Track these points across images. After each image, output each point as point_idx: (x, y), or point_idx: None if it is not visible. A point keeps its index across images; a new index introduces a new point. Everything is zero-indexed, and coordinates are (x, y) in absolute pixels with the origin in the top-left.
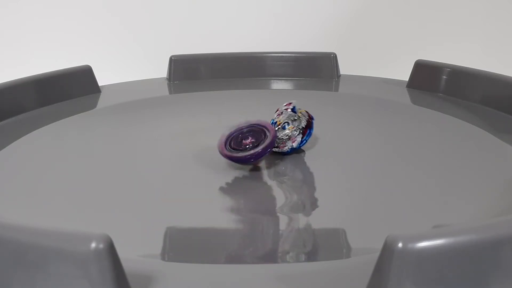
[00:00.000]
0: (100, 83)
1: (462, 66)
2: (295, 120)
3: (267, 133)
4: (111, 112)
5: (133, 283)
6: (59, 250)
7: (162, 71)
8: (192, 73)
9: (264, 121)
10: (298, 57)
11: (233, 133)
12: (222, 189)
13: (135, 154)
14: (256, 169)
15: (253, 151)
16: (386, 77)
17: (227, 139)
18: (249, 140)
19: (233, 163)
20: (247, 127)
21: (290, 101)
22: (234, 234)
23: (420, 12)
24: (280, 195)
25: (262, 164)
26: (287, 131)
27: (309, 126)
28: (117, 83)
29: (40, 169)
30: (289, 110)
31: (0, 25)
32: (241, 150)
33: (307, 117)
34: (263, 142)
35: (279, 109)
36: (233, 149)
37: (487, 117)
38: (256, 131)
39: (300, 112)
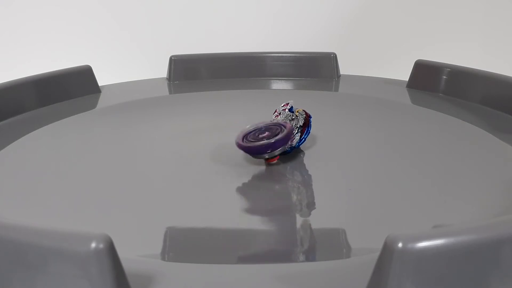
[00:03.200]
0: (100, 83)
1: (462, 66)
2: (292, 119)
3: (283, 129)
4: (111, 112)
5: (133, 283)
6: (59, 250)
7: (162, 71)
8: (192, 73)
9: (281, 121)
10: (298, 57)
11: (251, 130)
12: (222, 189)
13: (135, 154)
14: (256, 169)
15: (266, 141)
16: (386, 77)
17: (245, 135)
18: (265, 134)
19: (231, 161)
20: (265, 125)
21: (287, 101)
22: (234, 234)
23: (420, 12)
24: (280, 195)
25: (262, 164)
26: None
27: (307, 124)
28: (117, 83)
29: (40, 169)
30: (287, 110)
31: (0, 25)
32: (256, 142)
33: (305, 116)
34: (278, 136)
35: (277, 110)
36: (250, 141)
37: (487, 117)
38: (273, 128)
39: (298, 111)
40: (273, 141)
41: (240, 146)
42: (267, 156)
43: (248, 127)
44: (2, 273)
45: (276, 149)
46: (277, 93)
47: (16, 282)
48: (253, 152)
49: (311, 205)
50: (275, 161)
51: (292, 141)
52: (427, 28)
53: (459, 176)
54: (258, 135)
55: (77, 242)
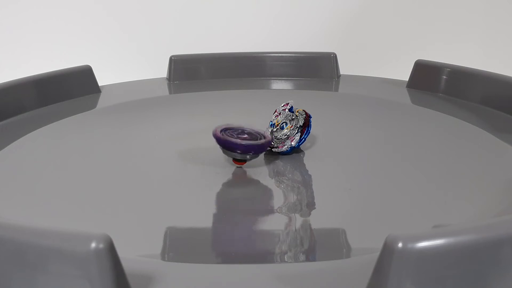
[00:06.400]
0: (100, 83)
1: (462, 66)
2: (293, 119)
3: (262, 138)
4: (111, 112)
5: (133, 283)
6: (59, 250)
7: (162, 71)
8: (192, 73)
9: (265, 133)
10: (298, 57)
11: (233, 127)
12: (222, 189)
13: (135, 154)
14: (256, 169)
15: (244, 141)
16: (386, 77)
17: (225, 128)
18: (244, 137)
19: (229, 160)
20: (249, 130)
21: (287, 101)
22: (234, 234)
23: (420, 12)
24: (280, 195)
25: (262, 164)
26: (285, 131)
27: (307, 125)
28: (117, 83)
29: (40, 169)
30: (287, 110)
31: (0, 25)
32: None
33: (305, 116)
34: (257, 141)
35: (277, 110)
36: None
37: (487, 117)
38: (254, 135)
39: (298, 111)
40: (244, 143)
41: (216, 136)
42: (238, 157)
43: (232, 123)
44: (2, 273)
45: (247, 152)
46: (277, 93)
47: (16, 282)
48: (225, 145)
49: (311, 205)
50: (241, 165)
51: (292, 141)
52: (427, 28)
53: (459, 176)
54: (237, 135)
55: (77, 242)
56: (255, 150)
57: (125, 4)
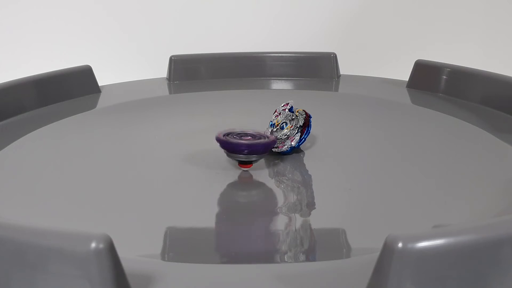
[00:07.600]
0: (100, 83)
1: (462, 66)
2: (293, 119)
3: (267, 139)
4: (111, 112)
5: (133, 283)
6: (59, 250)
7: (162, 71)
8: (192, 73)
9: (269, 134)
10: (298, 57)
11: (234, 131)
12: (222, 189)
13: (135, 154)
14: (256, 169)
15: (247, 141)
16: (386, 77)
17: (227, 133)
18: (248, 138)
19: (232, 161)
20: (251, 132)
21: (287, 101)
22: (234, 234)
23: (420, 12)
24: (280, 195)
25: (262, 164)
26: (285, 131)
27: (307, 125)
28: (117, 83)
29: (40, 169)
30: (287, 110)
31: (0, 25)
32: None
33: (305, 116)
34: (261, 140)
35: (277, 110)
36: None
37: (487, 117)
38: (257, 136)
39: (298, 111)
40: (248, 143)
41: (219, 140)
42: (243, 159)
43: (235, 128)
44: (2, 273)
45: (252, 152)
46: (277, 93)
47: (16, 282)
48: (229, 148)
49: (311, 205)
50: (247, 168)
51: (292, 141)
52: (427, 28)
53: (459, 176)
54: (240, 137)
55: (77, 242)
56: (260, 149)
57: (125, 4)
